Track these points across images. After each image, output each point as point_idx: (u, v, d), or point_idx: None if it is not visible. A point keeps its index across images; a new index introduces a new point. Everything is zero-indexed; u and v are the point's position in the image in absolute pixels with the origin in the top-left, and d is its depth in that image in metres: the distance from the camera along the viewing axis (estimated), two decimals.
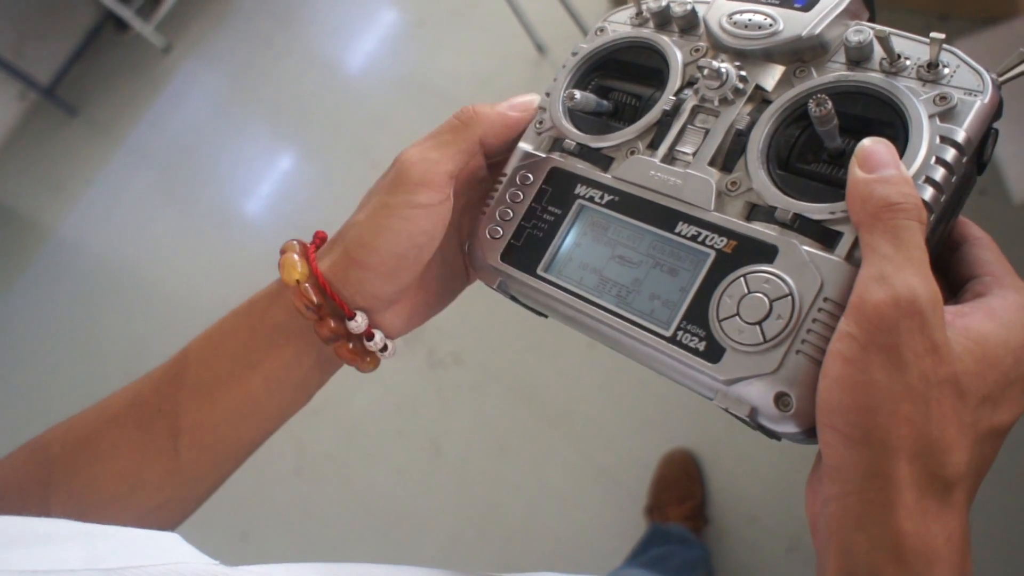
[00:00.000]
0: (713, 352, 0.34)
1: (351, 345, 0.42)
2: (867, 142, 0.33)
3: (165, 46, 3.68)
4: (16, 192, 3.74)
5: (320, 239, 0.45)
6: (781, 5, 0.39)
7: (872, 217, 0.31)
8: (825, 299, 0.32)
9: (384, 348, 0.44)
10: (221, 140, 3.11)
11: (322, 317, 0.41)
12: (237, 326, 0.45)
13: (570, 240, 0.41)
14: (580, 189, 0.42)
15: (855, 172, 0.32)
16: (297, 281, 0.41)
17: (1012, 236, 1.43)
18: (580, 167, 0.42)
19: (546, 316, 0.44)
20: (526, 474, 1.71)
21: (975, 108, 0.33)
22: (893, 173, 0.32)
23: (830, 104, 0.33)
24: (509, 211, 0.43)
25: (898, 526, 0.28)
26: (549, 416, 1.74)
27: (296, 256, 0.42)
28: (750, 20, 0.39)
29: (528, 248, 0.42)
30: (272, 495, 2.01)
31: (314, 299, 0.41)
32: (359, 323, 0.41)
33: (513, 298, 0.44)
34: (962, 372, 0.30)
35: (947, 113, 0.33)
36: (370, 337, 0.43)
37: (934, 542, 0.29)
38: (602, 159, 0.42)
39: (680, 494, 1.47)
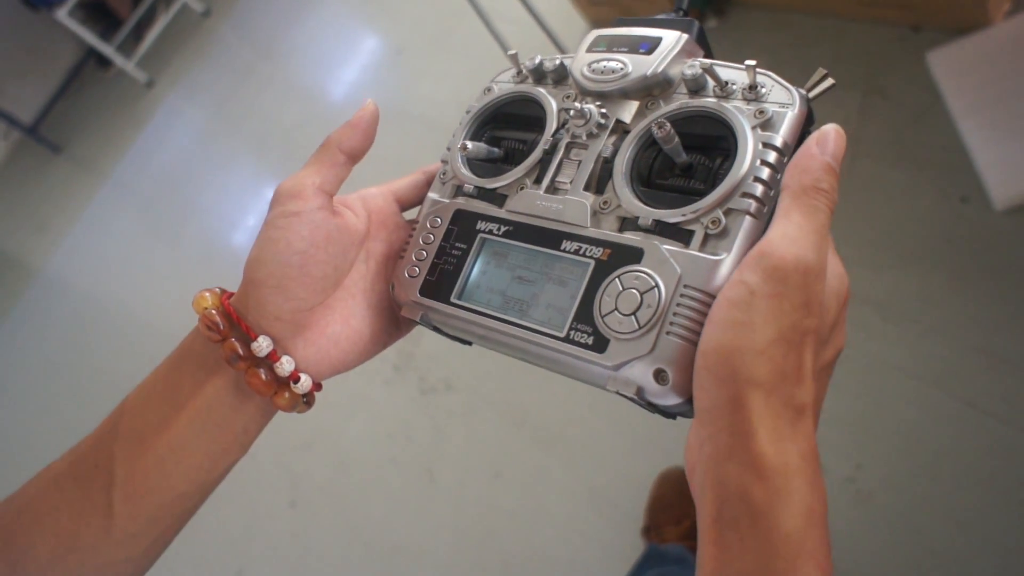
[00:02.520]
0: (600, 344, 0.40)
1: (263, 374, 0.44)
2: (831, 127, 0.38)
3: (147, 81, 3.69)
4: (1, 231, 3.73)
5: None
6: (629, 52, 0.46)
7: (801, 189, 0.37)
8: (685, 286, 0.38)
9: (297, 378, 0.45)
10: (206, 173, 3.11)
11: (225, 338, 0.44)
12: (167, 370, 0.46)
13: (476, 269, 0.47)
14: (481, 225, 0.48)
15: (811, 146, 0.38)
16: (205, 308, 0.44)
17: (994, 242, 1.45)
18: (479, 206, 0.49)
19: (470, 344, 0.49)
20: (521, 498, 1.70)
21: (787, 117, 0.40)
22: (834, 166, 0.37)
23: (669, 126, 0.41)
24: (423, 252, 0.49)
25: (759, 449, 0.32)
26: (542, 439, 1.73)
27: (208, 292, 0.45)
28: (605, 66, 0.47)
29: (442, 281, 0.48)
30: (266, 529, 1.99)
31: (218, 321, 0.44)
32: (261, 345, 0.43)
33: (437, 329, 0.49)
34: (821, 324, 0.36)
35: (766, 124, 0.40)
36: (296, 380, 0.45)
37: (791, 459, 0.33)
38: (498, 198, 0.49)
39: (677, 514, 1.46)
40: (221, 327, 0.43)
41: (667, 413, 0.40)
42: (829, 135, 0.38)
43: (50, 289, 3.21)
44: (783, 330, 0.33)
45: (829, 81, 0.41)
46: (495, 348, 0.46)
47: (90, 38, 3.52)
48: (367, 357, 0.50)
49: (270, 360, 0.44)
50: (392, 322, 0.51)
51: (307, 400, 0.47)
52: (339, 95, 2.92)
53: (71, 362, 2.78)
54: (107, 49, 3.59)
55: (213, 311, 0.44)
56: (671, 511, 1.47)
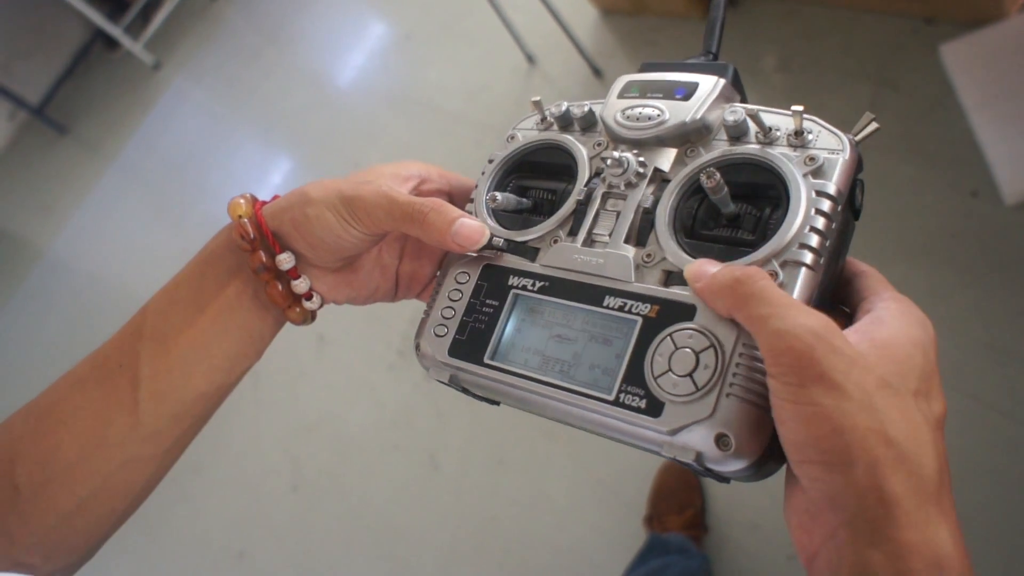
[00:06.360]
0: (654, 407, 0.37)
1: (280, 287, 0.46)
2: (686, 267, 0.38)
3: (154, 63, 3.68)
4: (7, 212, 3.73)
5: (274, 199, 0.49)
6: (664, 98, 0.45)
7: (734, 300, 0.35)
8: (744, 344, 0.36)
9: (310, 296, 0.48)
10: (212, 156, 3.10)
11: (255, 249, 0.45)
12: (190, 274, 0.48)
13: (510, 327, 0.44)
14: (513, 280, 0.45)
15: (697, 287, 0.37)
16: (239, 216, 0.45)
17: (1004, 236, 1.44)
18: (510, 260, 0.46)
19: (498, 404, 0.47)
20: (524, 486, 1.71)
21: (839, 164, 0.39)
22: (717, 268, 0.37)
23: (718, 175, 0.39)
24: (451, 309, 0.47)
25: (907, 539, 0.29)
26: (545, 427, 1.73)
27: (243, 200, 0.46)
28: (641, 113, 0.45)
29: (473, 341, 0.45)
30: (269, 513, 1.99)
31: (251, 232, 0.45)
32: (285, 259, 0.46)
33: (464, 390, 0.47)
34: (885, 373, 0.33)
35: (817, 171, 0.39)
36: (309, 298, 0.47)
37: (943, 548, 0.30)
38: (529, 251, 0.46)
39: (679, 503, 1.46)
40: (252, 237, 0.45)
41: (723, 478, 0.37)
42: (694, 268, 0.38)
43: (54, 270, 3.21)
44: (854, 397, 0.31)
45: (874, 125, 0.39)
46: (531, 410, 0.43)
47: (97, 19, 3.50)
48: (382, 300, 0.53)
49: (289, 276, 0.46)
50: (389, 281, 0.53)
51: (313, 316, 0.49)
52: (346, 80, 2.91)
53: (74, 343, 2.79)
54: (114, 30, 3.57)
55: (246, 220, 0.45)
56: (673, 500, 1.47)
